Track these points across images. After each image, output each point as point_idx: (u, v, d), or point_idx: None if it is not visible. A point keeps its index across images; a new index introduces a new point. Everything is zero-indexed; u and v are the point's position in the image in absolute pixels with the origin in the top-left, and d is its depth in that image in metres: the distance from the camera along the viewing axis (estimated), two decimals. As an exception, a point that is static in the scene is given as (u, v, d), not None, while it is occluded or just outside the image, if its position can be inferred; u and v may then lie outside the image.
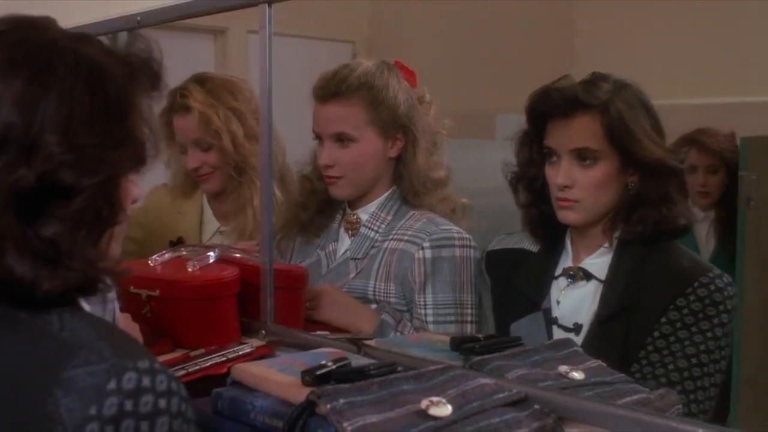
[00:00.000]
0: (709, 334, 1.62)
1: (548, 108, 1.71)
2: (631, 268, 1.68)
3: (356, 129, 1.96)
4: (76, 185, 1.02)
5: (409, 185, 1.99)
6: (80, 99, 1.05)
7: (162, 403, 0.93)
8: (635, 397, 1.33)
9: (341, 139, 1.97)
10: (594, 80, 1.69)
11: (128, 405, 0.91)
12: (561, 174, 1.69)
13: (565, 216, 1.72)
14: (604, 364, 1.45)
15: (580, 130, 1.67)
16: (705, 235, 2.53)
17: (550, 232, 1.80)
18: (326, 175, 2.01)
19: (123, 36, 3.72)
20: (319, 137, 2.02)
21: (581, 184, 1.69)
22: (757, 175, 1.91)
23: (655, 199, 1.66)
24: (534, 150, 1.78)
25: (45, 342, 0.97)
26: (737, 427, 1.60)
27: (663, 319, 1.62)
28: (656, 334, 1.63)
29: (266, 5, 1.82)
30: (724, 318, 1.63)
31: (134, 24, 2.12)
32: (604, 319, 1.65)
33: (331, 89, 1.97)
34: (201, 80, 2.34)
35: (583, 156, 1.68)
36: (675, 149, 1.70)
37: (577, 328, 1.70)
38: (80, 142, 1.02)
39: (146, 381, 0.92)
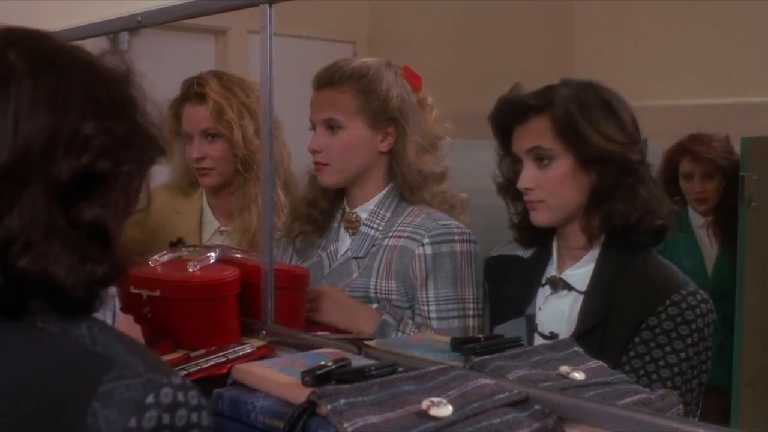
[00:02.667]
0: (682, 355, 1.63)
1: (507, 117, 1.79)
2: (610, 278, 1.70)
3: (345, 116, 1.98)
4: (113, 171, 1.07)
5: (403, 180, 2.00)
6: (101, 95, 1.09)
7: (194, 417, 0.98)
8: (636, 397, 1.33)
9: (330, 125, 1.99)
10: (551, 86, 1.75)
11: (166, 419, 0.95)
12: (522, 177, 1.75)
13: (535, 217, 1.77)
14: (605, 365, 1.45)
15: (533, 131, 1.73)
16: (707, 239, 2.54)
17: (538, 239, 1.83)
18: (314, 161, 2.03)
19: (124, 36, 3.73)
20: (313, 125, 2.03)
21: (541, 185, 1.73)
22: (758, 176, 1.91)
23: (617, 195, 1.69)
24: (508, 161, 1.83)
25: (80, 356, 1.00)
26: (737, 428, 1.61)
27: (636, 339, 1.65)
28: (631, 353, 1.65)
29: (267, 5, 1.82)
30: (695, 337, 1.63)
31: (135, 24, 2.12)
32: (580, 333, 1.67)
33: (326, 78, 2.01)
34: (217, 74, 2.37)
35: (539, 157, 1.72)
36: (631, 143, 1.71)
37: (552, 337, 1.72)
38: (113, 129, 1.07)
39: (180, 396, 0.97)
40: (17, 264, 0.99)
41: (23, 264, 0.99)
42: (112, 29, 2.21)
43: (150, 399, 0.94)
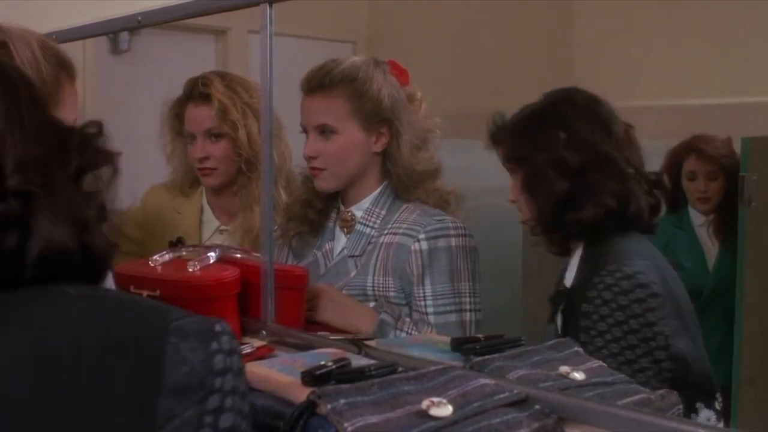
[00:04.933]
0: (614, 331, 1.65)
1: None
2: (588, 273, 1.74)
3: (338, 121, 1.98)
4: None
5: (397, 180, 2.00)
6: None
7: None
8: (636, 397, 1.33)
9: (324, 131, 1.99)
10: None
11: (234, 342, 1.02)
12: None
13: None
14: (605, 365, 1.45)
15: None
16: (708, 238, 2.54)
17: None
18: (310, 167, 2.03)
19: (124, 35, 3.73)
20: (305, 130, 2.03)
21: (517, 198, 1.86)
22: (758, 176, 1.91)
23: (584, 196, 1.74)
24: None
25: (136, 307, 1.06)
26: (737, 427, 1.61)
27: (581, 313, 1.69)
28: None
29: (267, 5, 1.82)
30: (619, 315, 1.65)
31: (135, 23, 2.12)
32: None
33: (316, 82, 2.00)
34: (220, 74, 2.37)
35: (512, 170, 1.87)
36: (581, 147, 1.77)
37: None
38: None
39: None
40: (93, 242, 1.04)
41: (94, 242, 1.04)
42: (112, 29, 2.21)
43: (217, 327, 1.00)
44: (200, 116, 2.31)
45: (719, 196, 2.54)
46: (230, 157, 2.31)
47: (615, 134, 1.76)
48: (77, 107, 1.51)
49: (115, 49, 3.83)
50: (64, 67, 1.47)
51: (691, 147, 2.58)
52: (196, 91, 2.31)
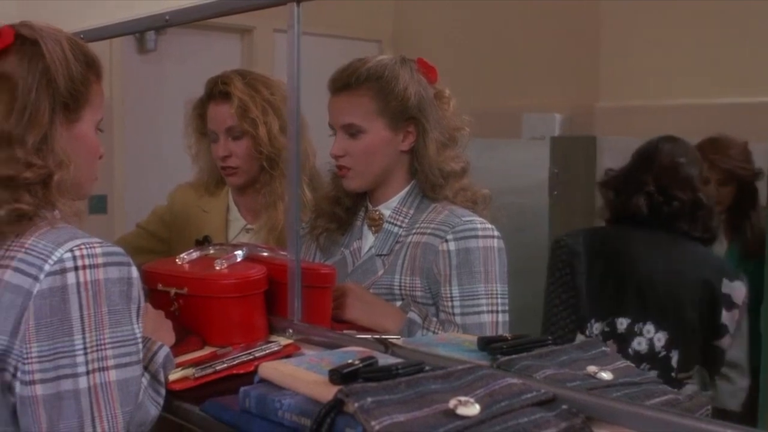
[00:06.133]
0: None
1: None
2: None
3: (365, 120, 1.97)
4: None
5: (424, 178, 1.99)
6: None
7: None
8: (664, 397, 1.33)
9: (351, 130, 1.99)
10: None
11: None
12: None
13: None
14: (633, 365, 1.45)
15: None
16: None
17: None
18: (337, 166, 2.02)
19: (151, 35, 3.75)
20: (333, 129, 2.03)
21: None
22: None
23: None
24: None
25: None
26: (765, 429, 1.59)
27: None
28: None
29: (294, 4, 1.82)
30: None
31: (162, 23, 2.13)
32: None
33: (342, 81, 2.00)
34: (241, 73, 2.37)
35: None
36: None
37: None
38: None
39: None
40: None
41: None
42: (139, 28, 2.22)
43: None
44: (221, 115, 2.32)
45: (729, 199, 2.56)
46: (252, 156, 2.32)
47: None
48: (103, 107, 1.52)
49: (142, 49, 3.86)
50: (92, 67, 1.48)
51: (704, 155, 2.60)
52: (217, 90, 2.32)
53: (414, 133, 1.98)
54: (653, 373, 1.91)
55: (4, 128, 1.34)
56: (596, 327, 2.12)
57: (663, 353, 2.01)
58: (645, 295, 2.10)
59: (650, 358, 2.02)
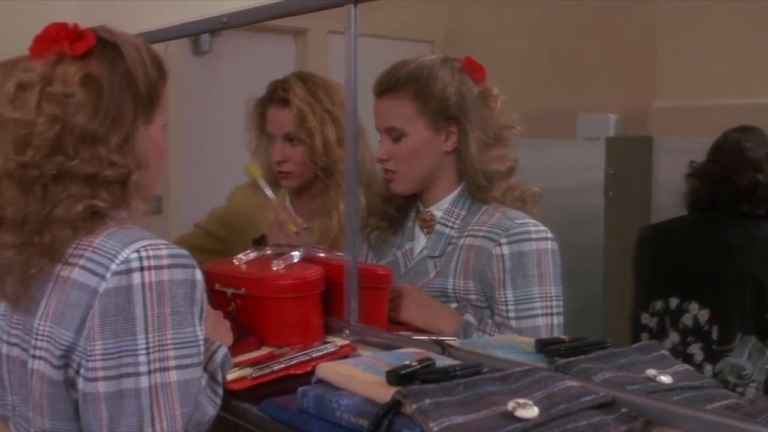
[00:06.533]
0: None
1: None
2: None
3: (406, 123, 1.97)
4: None
5: (470, 180, 1.98)
6: None
7: None
8: (725, 402, 1.32)
9: (393, 134, 1.99)
10: None
11: None
12: None
13: None
14: (692, 369, 1.44)
15: None
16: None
17: None
18: (384, 170, 2.03)
19: (205, 37, 3.77)
20: (380, 133, 2.04)
21: None
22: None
23: None
24: None
25: None
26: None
27: None
28: None
29: (352, 5, 1.83)
30: None
31: (220, 25, 2.15)
32: None
33: (384, 85, 2.01)
34: (303, 77, 2.36)
35: None
36: None
37: None
38: None
39: None
40: None
41: None
42: (197, 30, 2.24)
43: None
44: (280, 119, 2.33)
45: None
46: (307, 163, 2.32)
47: None
48: (168, 110, 1.54)
49: (197, 50, 3.90)
50: (162, 71, 1.51)
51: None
52: (277, 95, 2.33)
53: (456, 133, 1.97)
54: (708, 377, 1.92)
55: (90, 128, 1.36)
56: (657, 304, 2.18)
57: (705, 328, 2.04)
58: (693, 276, 2.16)
59: (694, 332, 2.07)
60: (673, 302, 2.13)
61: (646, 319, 2.17)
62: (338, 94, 2.29)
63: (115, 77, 1.40)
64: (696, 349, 2.04)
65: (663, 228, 2.39)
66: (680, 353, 2.03)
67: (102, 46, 1.43)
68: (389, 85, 1.99)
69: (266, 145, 2.40)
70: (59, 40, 1.40)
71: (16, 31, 1.49)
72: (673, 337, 2.09)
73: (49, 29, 1.43)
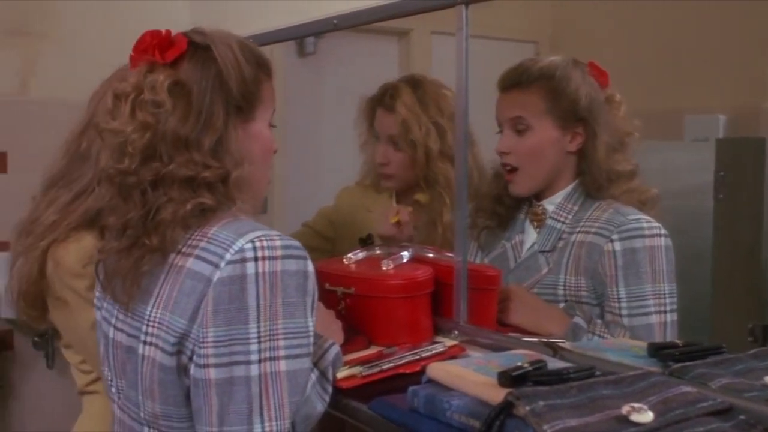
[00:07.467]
0: None
1: None
2: None
3: (533, 116, 1.97)
4: None
5: (591, 179, 1.97)
6: None
7: None
8: None
9: (518, 126, 1.98)
10: None
11: None
12: None
13: None
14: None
15: None
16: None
17: None
18: (503, 165, 2.03)
19: (310, 38, 3.80)
20: (500, 126, 2.03)
21: None
22: None
23: None
24: None
25: None
26: None
27: None
28: None
29: (463, 6, 1.83)
30: None
31: (330, 26, 2.17)
32: None
33: (512, 79, 2.01)
34: (415, 83, 2.37)
35: None
36: None
37: None
38: None
39: None
40: None
41: None
42: (307, 32, 2.27)
43: None
44: (386, 122, 2.35)
45: None
46: (408, 169, 2.34)
47: None
48: (275, 101, 1.56)
49: (302, 52, 3.94)
50: (262, 66, 1.52)
51: None
52: (384, 100, 2.35)
53: (583, 135, 1.96)
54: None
55: (182, 133, 1.39)
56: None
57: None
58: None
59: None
60: None
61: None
62: (449, 105, 2.27)
63: (206, 81, 1.42)
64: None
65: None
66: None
67: (193, 49, 1.45)
68: (520, 80, 1.99)
69: (374, 142, 2.42)
70: (151, 49, 1.44)
71: (131, 34, 1.53)
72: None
73: (144, 37, 1.46)
